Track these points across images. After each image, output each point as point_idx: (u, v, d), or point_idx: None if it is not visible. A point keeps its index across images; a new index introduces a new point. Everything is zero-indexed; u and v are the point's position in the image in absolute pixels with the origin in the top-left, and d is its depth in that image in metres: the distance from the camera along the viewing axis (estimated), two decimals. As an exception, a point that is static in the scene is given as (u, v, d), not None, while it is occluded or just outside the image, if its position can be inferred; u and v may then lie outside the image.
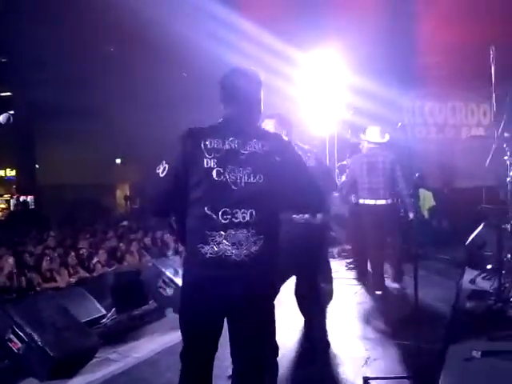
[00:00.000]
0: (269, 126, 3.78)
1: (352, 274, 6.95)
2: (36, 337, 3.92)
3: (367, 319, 5.07)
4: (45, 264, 6.54)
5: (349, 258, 7.54)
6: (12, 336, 3.95)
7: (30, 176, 21.50)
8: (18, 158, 21.42)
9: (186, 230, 2.38)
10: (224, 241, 2.28)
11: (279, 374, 3.67)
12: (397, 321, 4.89)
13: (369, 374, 3.57)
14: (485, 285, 5.37)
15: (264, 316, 2.46)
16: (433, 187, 8.16)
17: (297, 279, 3.94)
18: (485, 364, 3.49)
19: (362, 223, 6.16)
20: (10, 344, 3.95)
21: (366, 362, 3.92)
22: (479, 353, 3.59)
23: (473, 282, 5.72)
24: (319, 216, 3.68)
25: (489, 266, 5.69)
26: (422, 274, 4.36)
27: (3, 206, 23.81)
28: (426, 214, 8.00)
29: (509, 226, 5.01)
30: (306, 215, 3.61)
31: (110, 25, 10.62)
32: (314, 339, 3.94)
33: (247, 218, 2.31)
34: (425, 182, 7.93)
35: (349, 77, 8.51)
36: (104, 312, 5.19)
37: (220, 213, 2.29)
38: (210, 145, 2.34)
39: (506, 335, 3.86)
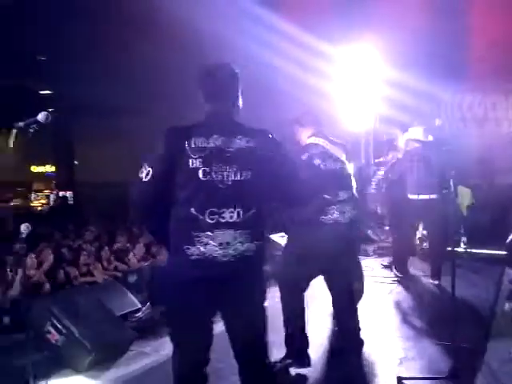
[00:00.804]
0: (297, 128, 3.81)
1: (387, 272, 6.85)
2: (73, 329, 4.01)
3: (402, 318, 5.00)
4: (82, 259, 6.68)
5: (384, 256, 7.44)
6: (50, 328, 4.04)
7: (68, 172, 22.02)
8: (58, 154, 21.96)
9: (171, 231, 2.31)
10: (211, 241, 2.23)
11: (312, 372, 3.66)
12: (433, 320, 4.80)
13: (404, 374, 3.52)
14: (526, 285, 5.22)
15: (256, 313, 2.41)
16: (472, 184, 7.95)
17: (327, 279, 3.88)
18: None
19: (412, 218, 6.34)
20: (48, 336, 4.03)
21: (402, 361, 3.86)
22: (518, 355, 3.50)
23: (513, 281, 5.57)
24: (348, 215, 3.62)
25: (530, 266, 5.53)
26: (460, 273, 4.26)
27: (43, 201, 24.47)
28: (464, 211, 7.81)
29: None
30: (336, 214, 3.55)
31: (148, 22, 10.73)
32: (347, 338, 3.90)
33: (235, 218, 2.27)
34: (463, 179, 7.73)
35: (387, 71, 8.36)
36: (139, 306, 5.26)
37: (207, 213, 2.24)
38: (195, 144, 2.28)
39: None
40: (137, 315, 5.16)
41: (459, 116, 10.33)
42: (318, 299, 5.24)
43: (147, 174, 2.29)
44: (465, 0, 8.60)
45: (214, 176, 2.26)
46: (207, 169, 2.26)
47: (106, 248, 7.43)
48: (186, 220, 2.26)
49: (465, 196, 7.92)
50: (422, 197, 6.00)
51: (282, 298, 3.71)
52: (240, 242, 2.27)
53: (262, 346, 2.46)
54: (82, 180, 21.99)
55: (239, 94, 2.50)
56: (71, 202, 21.19)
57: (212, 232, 2.23)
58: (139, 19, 10.64)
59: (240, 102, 2.52)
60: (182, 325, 2.33)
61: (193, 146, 2.27)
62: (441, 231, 5.93)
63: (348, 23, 8.58)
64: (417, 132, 6.33)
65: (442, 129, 7.53)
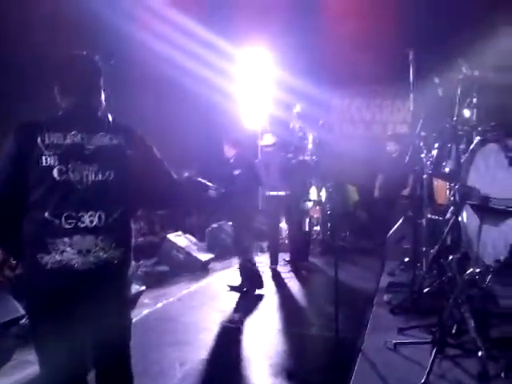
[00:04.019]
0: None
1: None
2: None
3: (283, 311, 5.18)
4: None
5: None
6: None
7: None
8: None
9: (23, 238, 2.07)
10: (68, 248, 2.02)
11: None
12: (314, 311, 5.05)
13: (280, 367, 3.70)
14: (402, 277, 5.63)
15: (120, 325, 2.24)
16: (357, 182, 8.41)
17: None
18: (398, 355, 3.65)
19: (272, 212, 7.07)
20: None
21: (280, 353, 3.99)
22: (392, 344, 3.76)
23: (391, 274, 5.99)
24: None
25: (406, 259, 5.98)
26: (342, 265, 4.52)
27: None
28: (350, 207, 8.27)
29: (424, 221, 5.28)
30: None
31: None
32: None
33: (95, 222, 2.07)
34: (349, 177, 8.18)
35: (280, 75, 8.77)
36: (23, 312, 5.00)
37: (63, 217, 2.03)
38: (49, 139, 2.06)
39: (419, 326, 4.05)
40: (20, 322, 4.89)
41: (349, 118, 10.87)
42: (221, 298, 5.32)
43: None
44: (349, 8, 9.02)
45: (72, 176, 2.06)
46: (63, 167, 2.05)
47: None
48: (39, 225, 2.03)
49: (351, 193, 8.41)
50: (276, 193, 6.82)
51: None
52: (102, 249, 2.07)
53: (126, 359, 2.30)
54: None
55: (100, 86, 2.29)
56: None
57: (70, 238, 2.03)
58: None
59: (103, 97, 2.30)
60: (50, 345, 2.09)
61: (46, 141, 2.05)
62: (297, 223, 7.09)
63: (247, 27, 8.77)
64: (268, 138, 7.28)
65: (328, 129, 8.08)
